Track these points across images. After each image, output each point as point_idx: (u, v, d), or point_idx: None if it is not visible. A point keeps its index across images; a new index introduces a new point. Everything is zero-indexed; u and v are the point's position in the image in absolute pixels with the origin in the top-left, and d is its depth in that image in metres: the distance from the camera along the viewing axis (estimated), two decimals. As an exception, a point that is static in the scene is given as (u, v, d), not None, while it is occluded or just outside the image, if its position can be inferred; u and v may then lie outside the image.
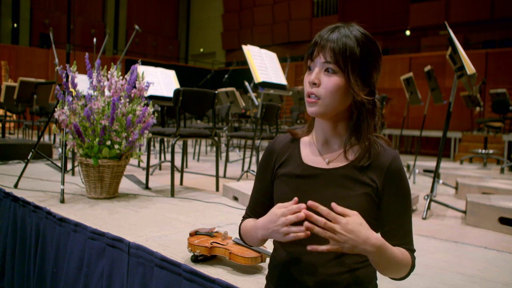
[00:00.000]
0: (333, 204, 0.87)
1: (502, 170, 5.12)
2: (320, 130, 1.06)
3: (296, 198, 0.91)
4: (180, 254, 1.67)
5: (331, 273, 0.98)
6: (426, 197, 2.88)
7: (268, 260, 1.16)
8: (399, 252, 0.96)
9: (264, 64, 3.75)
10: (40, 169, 3.90)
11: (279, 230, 0.89)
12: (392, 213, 1.00)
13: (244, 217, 1.17)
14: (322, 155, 1.05)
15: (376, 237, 0.89)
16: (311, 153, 1.06)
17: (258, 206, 1.14)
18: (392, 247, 0.95)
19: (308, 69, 1.01)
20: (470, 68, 2.79)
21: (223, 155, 6.02)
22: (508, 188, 3.31)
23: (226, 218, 2.42)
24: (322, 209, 0.86)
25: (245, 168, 3.93)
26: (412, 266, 1.00)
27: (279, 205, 0.92)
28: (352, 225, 0.86)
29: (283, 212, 0.90)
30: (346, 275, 0.99)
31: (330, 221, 0.86)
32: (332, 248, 0.86)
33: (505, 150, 7.14)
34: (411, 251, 1.01)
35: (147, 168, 3.35)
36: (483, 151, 6.37)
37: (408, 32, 14.69)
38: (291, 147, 1.10)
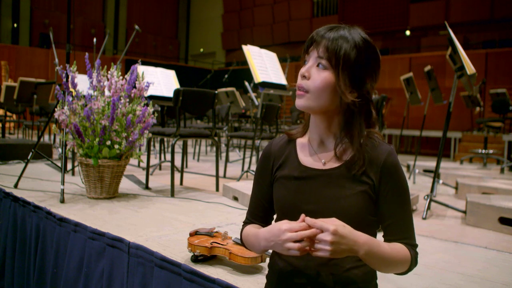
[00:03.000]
0: (307, 220, 0.88)
1: (502, 170, 5.12)
2: (315, 129, 1.06)
3: (303, 215, 0.90)
4: (180, 254, 1.67)
5: (332, 272, 0.99)
6: (426, 197, 2.88)
7: (268, 260, 1.16)
8: (392, 248, 0.96)
9: (264, 64, 3.75)
10: (40, 169, 3.90)
11: (283, 245, 0.89)
12: (390, 208, 1.00)
13: (245, 222, 1.17)
14: (318, 156, 1.04)
15: (363, 237, 0.90)
16: (307, 154, 1.06)
17: (258, 210, 1.14)
18: (383, 245, 0.94)
19: (304, 63, 1.02)
20: (470, 68, 2.79)
21: (223, 155, 6.02)
22: (508, 188, 3.30)
23: (226, 218, 2.42)
24: (308, 220, 0.87)
25: (245, 168, 3.93)
26: (413, 262, 0.99)
27: (285, 221, 0.92)
28: (339, 229, 0.86)
29: (289, 227, 0.89)
30: (346, 273, 0.99)
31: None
32: (322, 255, 0.86)
33: (505, 150, 7.14)
34: (412, 246, 1.01)
35: (147, 168, 3.35)
36: (483, 151, 6.37)
37: (408, 32, 14.69)
38: (287, 149, 1.10)
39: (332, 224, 0.86)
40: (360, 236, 0.89)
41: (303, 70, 0.99)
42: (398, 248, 0.97)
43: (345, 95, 0.96)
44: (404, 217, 1.01)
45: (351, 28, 0.99)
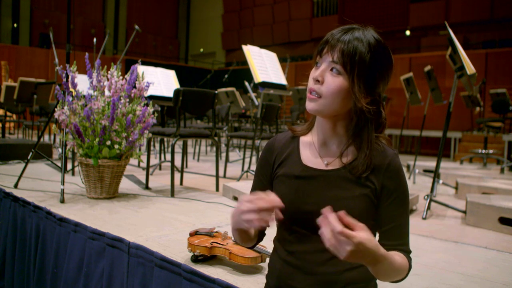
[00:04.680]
0: (341, 213, 0.81)
1: (502, 170, 5.12)
2: (319, 130, 1.05)
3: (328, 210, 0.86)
4: (180, 254, 1.67)
5: (331, 271, 0.98)
6: (426, 197, 2.88)
7: (268, 260, 1.16)
8: (398, 258, 0.95)
9: (264, 64, 3.75)
10: (40, 169, 3.90)
11: (241, 216, 0.88)
12: (390, 214, 0.99)
13: None
14: (321, 156, 1.04)
15: (381, 250, 0.86)
16: (310, 153, 1.06)
17: None
18: (392, 255, 0.93)
19: (316, 65, 1.00)
20: (470, 68, 2.79)
21: (223, 155, 6.02)
22: (508, 188, 3.30)
23: (226, 218, 2.42)
24: (335, 226, 0.78)
25: (245, 168, 3.93)
26: (409, 268, 1.00)
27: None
28: (367, 243, 0.79)
29: (249, 198, 0.89)
30: (345, 273, 0.99)
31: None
32: (334, 252, 0.81)
33: (505, 150, 7.14)
34: (407, 252, 1.01)
35: (147, 168, 3.35)
36: (483, 151, 6.37)
37: (408, 32, 14.70)
38: (290, 146, 1.09)
39: (360, 237, 0.79)
40: (379, 250, 0.84)
41: (316, 74, 0.97)
42: (401, 257, 0.97)
43: (359, 101, 0.95)
44: (403, 223, 1.01)
45: (364, 30, 0.97)
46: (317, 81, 0.97)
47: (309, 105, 0.98)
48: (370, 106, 0.97)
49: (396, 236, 1.00)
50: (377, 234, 1.05)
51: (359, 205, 0.97)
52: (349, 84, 0.94)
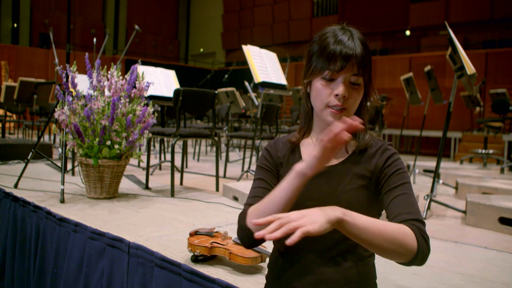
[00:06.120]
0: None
1: (502, 170, 5.12)
2: (319, 129, 1.08)
3: None
4: (180, 254, 1.67)
5: (330, 272, 0.99)
6: (426, 197, 2.88)
7: (268, 260, 1.16)
8: (391, 224, 0.88)
9: (264, 64, 3.75)
10: (40, 169, 3.90)
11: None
12: (392, 188, 0.98)
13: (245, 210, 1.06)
14: None
15: (332, 206, 0.85)
16: (310, 152, 1.07)
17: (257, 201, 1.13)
18: (379, 220, 0.88)
19: (327, 80, 0.99)
20: (470, 68, 2.79)
21: (223, 155, 6.02)
22: (508, 188, 3.30)
23: (226, 218, 2.42)
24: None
25: (245, 168, 3.93)
26: (422, 240, 0.88)
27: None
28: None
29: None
30: (345, 273, 0.99)
31: None
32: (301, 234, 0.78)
33: (505, 150, 7.14)
34: (417, 220, 0.91)
35: (147, 168, 3.35)
36: (483, 151, 6.37)
37: (408, 32, 14.69)
38: (291, 147, 1.12)
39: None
40: (327, 207, 0.85)
41: (341, 91, 0.96)
42: (397, 226, 0.88)
43: (375, 98, 1.03)
44: (406, 193, 0.97)
45: (353, 29, 1.01)
46: (343, 97, 0.98)
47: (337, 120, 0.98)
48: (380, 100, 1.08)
49: (401, 205, 0.94)
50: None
51: (358, 197, 0.99)
52: (363, 88, 1.01)
